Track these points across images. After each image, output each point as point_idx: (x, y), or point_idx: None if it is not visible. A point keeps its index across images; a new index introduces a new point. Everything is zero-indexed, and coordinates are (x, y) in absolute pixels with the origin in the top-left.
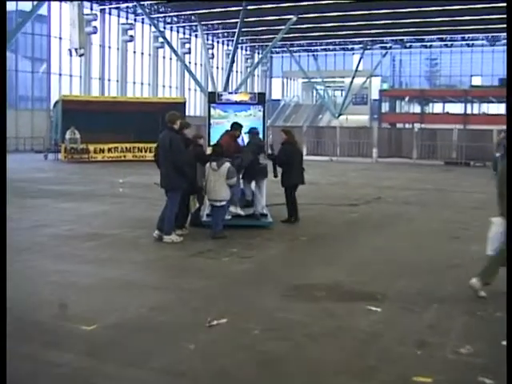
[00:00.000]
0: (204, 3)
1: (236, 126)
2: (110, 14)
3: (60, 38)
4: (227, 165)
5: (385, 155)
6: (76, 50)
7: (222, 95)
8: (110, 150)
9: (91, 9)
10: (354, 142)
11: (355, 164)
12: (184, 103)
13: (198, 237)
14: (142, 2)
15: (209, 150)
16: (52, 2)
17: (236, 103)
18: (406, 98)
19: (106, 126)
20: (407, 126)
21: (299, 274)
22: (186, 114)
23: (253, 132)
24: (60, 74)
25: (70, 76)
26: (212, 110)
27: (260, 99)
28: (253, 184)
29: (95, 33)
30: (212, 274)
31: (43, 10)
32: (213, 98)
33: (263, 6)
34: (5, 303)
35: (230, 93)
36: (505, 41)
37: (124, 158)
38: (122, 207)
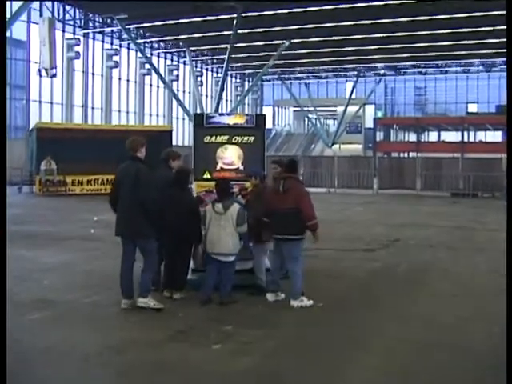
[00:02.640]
0: (192, 27)
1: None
2: (93, 38)
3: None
4: (236, 206)
5: (386, 186)
6: (46, 70)
7: (211, 117)
8: (89, 182)
9: (74, 33)
10: (353, 173)
11: (356, 196)
12: (171, 131)
13: (180, 302)
14: (127, 27)
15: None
16: (32, 26)
17: (229, 127)
18: (396, 127)
19: (85, 156)
20: (406, 154)
21: (328, 378)
22: (174, 143)
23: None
24: (40, 102)
25: (51, 103)
26: (200, 134)
27: (258, 122)
28: None
29: (78, 58)
30: (196, 381)
31: (22, 35)
32: (199, 121)
33: (254, 31)
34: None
35: (221, 114)
36: (501, 66)
37: (105, 190)
38: (89, 256)
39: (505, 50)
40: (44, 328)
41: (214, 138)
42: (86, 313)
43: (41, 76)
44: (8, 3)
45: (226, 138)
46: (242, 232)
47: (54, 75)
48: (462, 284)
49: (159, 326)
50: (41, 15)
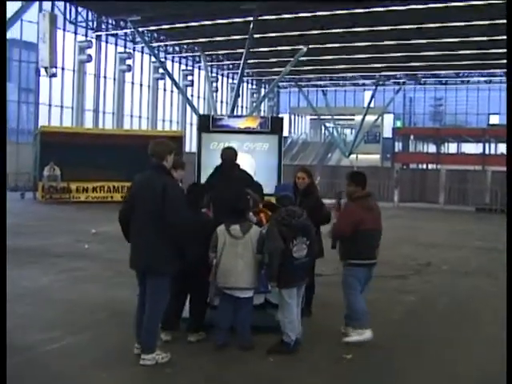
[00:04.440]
0: (208, 30)
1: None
2: (106, 41)
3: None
4: (256, 229)
5: (407, 199)
6: (46, 68)
7: (219, 120)
8: (94, 189)
9: (86, 35)
10: (373, 184)
11: None
12: (181, 137)
13: (170, 351)
14: (141, 29)
15: None
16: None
17: (240, 132)
18: (412, 137)
19: (91, 161)
20: (425, 166)
21: None
22: (187, 150)
23: (283, 197)
24: (50, 105)
25: (61, 107)
26: (205, 139)
27: (274, 126)
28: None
29: (90, 61)
30: None
31: (32, 38)
32: (205, 124)
33: (271, 35)
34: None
35: (230, 116)
36: None
37: (111, 198)
38: (75, 279)
39: None
40: None
41: (221, 144)
42: (46, 366)
43: (39, 75)
44: (10, 3)
45: (235, 145)
46: (260, 260)
47: (54, 75)
48: None
49: None
50: None
